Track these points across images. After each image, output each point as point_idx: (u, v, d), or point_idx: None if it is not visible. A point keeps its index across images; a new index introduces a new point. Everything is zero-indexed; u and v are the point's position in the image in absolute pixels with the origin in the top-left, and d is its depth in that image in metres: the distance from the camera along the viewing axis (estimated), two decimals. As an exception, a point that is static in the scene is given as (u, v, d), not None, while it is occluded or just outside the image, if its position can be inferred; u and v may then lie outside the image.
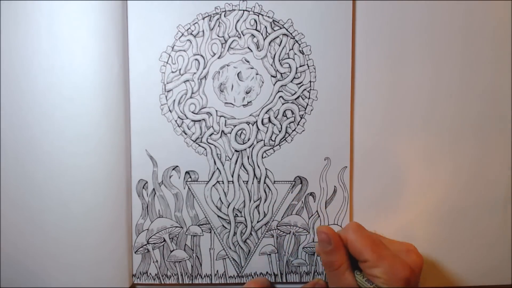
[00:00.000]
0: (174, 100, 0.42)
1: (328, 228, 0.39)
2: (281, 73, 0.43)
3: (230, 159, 0.43)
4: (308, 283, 0.43)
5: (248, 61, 0.42)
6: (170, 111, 0.42)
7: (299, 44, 0.42)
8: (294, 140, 0.43)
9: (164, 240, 0.43)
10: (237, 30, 0.42)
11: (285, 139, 0.43)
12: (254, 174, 0.43)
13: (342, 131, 0.43)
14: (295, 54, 0.42)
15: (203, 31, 0.42)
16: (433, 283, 0.44)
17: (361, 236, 0.38)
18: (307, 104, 0.43)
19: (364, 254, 0.37)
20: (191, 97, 0.43)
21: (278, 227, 0.43)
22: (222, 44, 0.42)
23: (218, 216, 0.43)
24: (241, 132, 0.43)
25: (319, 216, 0.43)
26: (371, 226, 0.44)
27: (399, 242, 0.41)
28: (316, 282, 0.43)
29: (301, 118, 0.43)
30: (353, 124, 0.43)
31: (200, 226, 0.43)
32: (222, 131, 0.43)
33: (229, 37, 0.42)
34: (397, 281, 0.35)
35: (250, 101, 0.43)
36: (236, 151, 0.43)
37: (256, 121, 0.43)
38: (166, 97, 0.42)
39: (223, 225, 0.43)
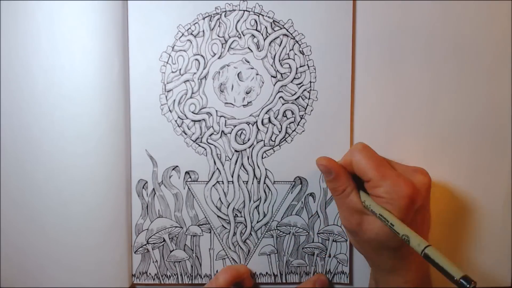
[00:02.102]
0: (174, 100, 0.42)
1: (326, 159, 0.39)
2: (281, 74, 0.43)
3: (230, 159, 0.43)
4: (309, 279, 0.43)
5: (248, 61, 0.42)
6: (170, 111, 0.42)
7: (299, 45, 0.42)
8: (294, 141, 0.43)
9: (164, 240, 0.43)
10: (237, 30, 0.42)
11: (285, 140, 0.43)
12: (254, 174, 0.43)
13: (342, 132, 0.43)
14: (295, 54, 0.42)
15: (203, 31, 0.42)
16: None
17: (365, 156, 0.37)
18: (307, 105, 0.43)
19: (367, 173, 0.36)
20: (191, 97, 0.42)
21: (278, 228, 0.43)
22: (222, 44, 0.42)
23: (218, 216, 0.43)
24: (241, 132, 0.43)
25: (319, 216, 0.43)
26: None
27: (408, 166, 0.39)
28: (317, 278, 0.43)
29: (301, 118, 0.43)
30: (353, 125, 0.43)
31: (200, 226, 0.43)
32: (222, 131, 0.43)
33: (229, 37, 0.42)
34: (399, 199, 0.35)
35: (250, 101, 0.43)
36: (236, 151, 0.43)
37: (256, 121, 0.43)
38: (166, 97, 0.42)
39: (222, 225, 0.43)
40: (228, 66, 0.42)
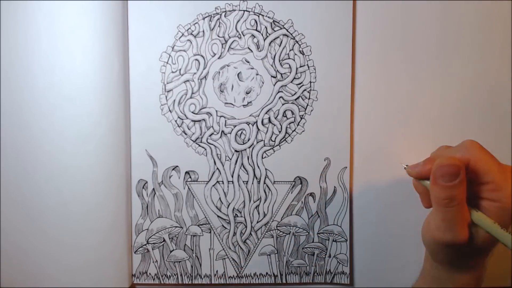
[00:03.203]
0: (174, 100, 0.42)
1: (453, 158, 0.32)
2: (281, 74, 0.43)
3: (230, 159, 0.43)
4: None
5: (248, 62, 0.42)
6: (170, 111, 0.42)
7: (299, 45, 0.42)
8: (294, 141, 0.43)
9: (164, 240, 0.43)
10: (237, 31, 0.42)
11: (285, 140, 0.43)
12: (254, 174, 0.43)
13: (342, 132, 0.43)
14: (295, 54, 0.42)
15: (203, 31, 0.42)
16: None
17: (487, 155, 0.33)
18: (307, 105, 0.43)
19: (490, 175, 0.32)
20: (191, 97, 0.42)
21: (278, 228, 0.43)
22: (222, 44, 0.42)
23: (218, 216, 0.43)
24: (241, 132, 0.43)
25: (319, 216, 0.43)
26: (371, 226, 0.44)
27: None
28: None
29: (301, 118, 0.43)
30: (353, 125, 0.43)
31: (200, 226, 0.43)
32: (222, 131, 0.43)
33: (229, 37, 0.42)
34: None
35: (250, 102, 0.43)
36: (236, 151, 0.43)
37: (256, 122, 0.43)
38: (166, 97, 0.42)
39: (223, 225, 0.43)
40: (228, 66, 0.42)
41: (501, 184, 0.32)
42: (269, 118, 0.43)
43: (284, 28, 0.42)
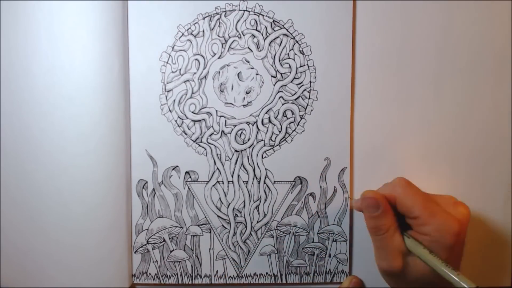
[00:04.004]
0: (174, 100, 0.42)
1: (374, 192, 0.37)
2: (281, 74, 0.43)
3: (230, 159, 0.43)
4: (344, 282, 0.42)
5: (248, 61, 0.42)
6: (170, 111, 0.42)
7: (300, 45, 0.42)
8: (294, 141, 0.43)
9: (164, 240, 0.43)
10: (237, 30, 0.42)
11: (285, 140, 0.43)
12: (254, 174, 0.43)
13: (342, 132, 0.43)
14: (295, 54, 0.42)
15: (203, 31, 0.42)
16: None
17: (411, 192, 0.36)
18: (307, 105, 0.43)
19: (415, 210, 0.35)
20: (191, 97, 0.42)
21: (278, 228, 0.43)
22: (222, 44, 0.42)
23: (218, 216, 0.43)
24: (241, 132, 0.43)
25: (319, 216, 0.43)
26: (371, 226, 0.44)
27: (441, 195, 0.39)
28: (351, 281, 0.42)
29: (301, 118, 0.43)
30: (353, 125, 0.43)
31: (200, 226, 0.43)
32: (222, 131, 0.43)
33: (229, 37, 0.42)
34: (448, 237, 0.34)
35: (250, 101, 0.43)
36: (236, 151, 0.43)
37: (256, 121, 0.43)
38: (166, 97, 0.42)
39: (223, 225, 0.43)
40: (228, 66, 0.42)
41: (427, 219, 0.35)
42: (269, 118, 0.43)
43: (284, 28, 0.42)
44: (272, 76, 0.43)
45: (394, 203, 0.37)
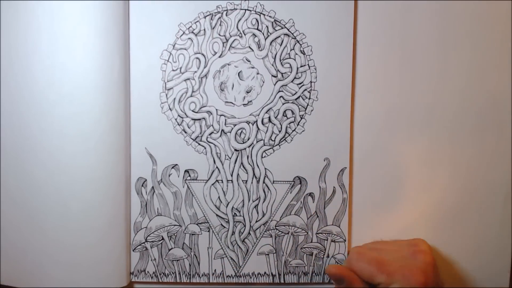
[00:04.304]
0: (175, 99, 0.42)
1: (336, 267, 0.39)
2: (282, 73, 0.43)
3: (230, 158, 0.43)
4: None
5: (249, 61, 0.42)
6: (170, 110, 0.42)
7: (300, 44, 0.42)
8: (294, 140, 0.43)
9: (163, 239, 0.43)
10: (238, 29, 0.42)
11: (285, 139, 0.43)
12: (254, 174, 0.43)
13: (342, 132, 0.43)
14: (296, 54, 0.42)
15: (204, 29, 0.42)
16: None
17: (364, 262, 0.38)
18: (308, 105, 0.43)
19: (375, 279, 0.37)
20: (191, 96, 0.42)
21: (277, 227, 0.43)
22: (223, 43, 0.42)
23: (217, 215, 0.43)
24: (241, 131, 0.43)
25: (318, 216, 0.43)
26: (370, 227, 0.44)
27: (406, 242, 0.40)
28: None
29: (301, 118, 0.43)
30: (353, 125, 0.43)
31: (199, 225, 0.43)
32: (222, 130, 0.43)
33: (230, 36, 0.42)
34: None
35: (251, 101, 0.43)
36: (235, 150, 0.43)
37: (256, 121, 0.43)
38: (166, 95, 0.42)
39: (221, 224, 0.43)
40: (228, 65, 0.42)
41: (389, 281, 0.36)
42: (269, 117, 0.43)
43: (285, 27, 0.42)
44: (272, 75, 0.43)
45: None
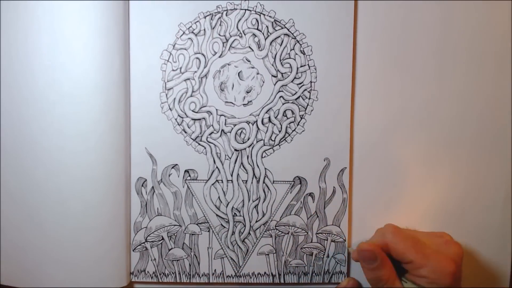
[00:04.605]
0: (175, 99, 0.42)
1: (369, 244, 0.37)
2: (282, 73, 0.43)
3: (230, 158, 0.43)
4: (341, 283, 0.43)
5: (249, 61, 0.42)
6: (170, 110, 0.42)
7: (300, 44, 0.42)
8: (294, 140, 0.43)
9: (163, 238, 0.43)
10: (238, 29, 0.42)
11: (285, 139, 0.43)
12: (254, 174, 0.43)
13: (342, 132, 0.43)
14: (296, 54, 0.42)
15: (204, 29, 0.42)
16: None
17: (401, 238, 0.37)
18: (308, 105, 0.43)
19: (408, 255, 0.36)
20: (191, 96, 0.42)
21: (277, 227, 0.43)
22: (223, 43, 0.42)
23: (217, 215, 0.43)
24: (241, 131, 0.43)
25: (318, 216, 0.43)
26: (370, 227, 0.44)
27: (434, 233, 0.40)
28: (348, 282, 0.42)
29: (301, 118, 0.43)
30: (353, 125, 0.43)
31: (199, 225, 0.43)
32: (222, 130, 0.43)
33: (230, 36, 0.42)
34: (444, 277, 0.35)
35: (251, 101, 0.43)
36: (235, 150, 0.43)
37: (256, 121, 0.43)
38: (166, 95, 0.42)
39: (221, 224, 0.43)
40: (228, 65, 0.42)
41: (421, 262, 0.35)
42: (269, 117, 0.43)
43: (285, 27, 0.42)
44: (272, 75, 0.43)
45: (387, 250, 0.37)
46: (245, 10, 0.42)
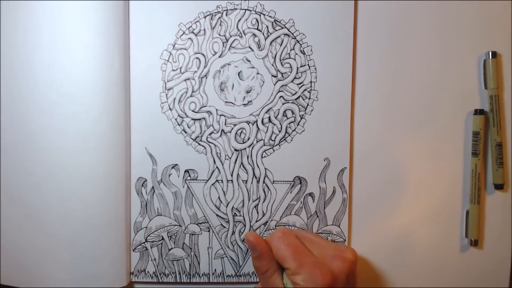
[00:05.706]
0: (175, 99, 0.42)
1: (254, 235, 0.39)
2: (282, 73, 0.43)
3: (230, 158, 0.43)
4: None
5: (249, 61, 0.42)
6: (170, 110, 0.42)
7: (300, 44, 0.42)
8: (294, 140, 0.43)
9: (163, 238, 0.43)
10: (238, 29, 0.42)
11: (285, 139, 0.43)
12: (254, 174, 0.43)
13: (342, 132, 0.43)
14: (296, 54, 0.42)
15: (204, 29, 0.42)
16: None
17: (285, 244, 0.38)
18: (308, 104, 0.43)
19: (285, 261, 0.37)
20: (191, 96, 0.42)
21: (277, 227, 0.43)
22: (223, 43, 0.42)
23: (217, 215, 0.43)
24: (241, 131, 0.43)
25: (317, 216, 0.43)
26: (370, 227, 0.44)
27: (335, 245, 0.39)
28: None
29: (301, 118, 0.43)
30: (353, 125, 0.43)
31: (199, 224, 0.43)
32: (222, 130, 0.43)
33: (231, 36, 0.42)
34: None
35: (251, 101, 0.43)
36: (235, 150, 0.43)
37: (256, 121, 0.43)
38: (166, 95, 0.42)
39: (221, 224, 0.43)
40: (228, 65, 0.42)
41: (296, 269, 0.36)
42: (269, 117, 0.43)
43: (285, 27, 0.42)
44: (272, 75, 0.43)
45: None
46: (245, 10, 0.42)
